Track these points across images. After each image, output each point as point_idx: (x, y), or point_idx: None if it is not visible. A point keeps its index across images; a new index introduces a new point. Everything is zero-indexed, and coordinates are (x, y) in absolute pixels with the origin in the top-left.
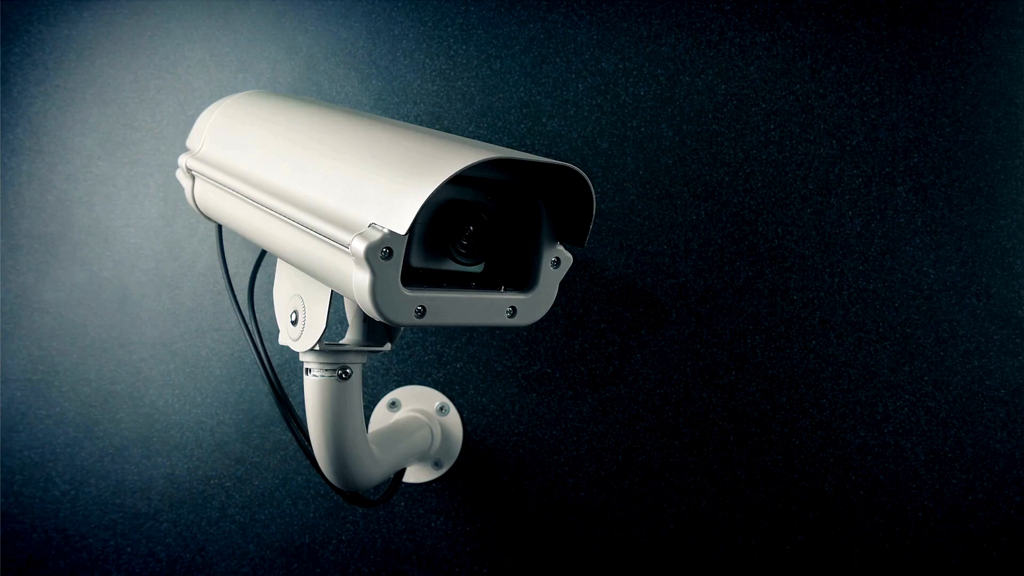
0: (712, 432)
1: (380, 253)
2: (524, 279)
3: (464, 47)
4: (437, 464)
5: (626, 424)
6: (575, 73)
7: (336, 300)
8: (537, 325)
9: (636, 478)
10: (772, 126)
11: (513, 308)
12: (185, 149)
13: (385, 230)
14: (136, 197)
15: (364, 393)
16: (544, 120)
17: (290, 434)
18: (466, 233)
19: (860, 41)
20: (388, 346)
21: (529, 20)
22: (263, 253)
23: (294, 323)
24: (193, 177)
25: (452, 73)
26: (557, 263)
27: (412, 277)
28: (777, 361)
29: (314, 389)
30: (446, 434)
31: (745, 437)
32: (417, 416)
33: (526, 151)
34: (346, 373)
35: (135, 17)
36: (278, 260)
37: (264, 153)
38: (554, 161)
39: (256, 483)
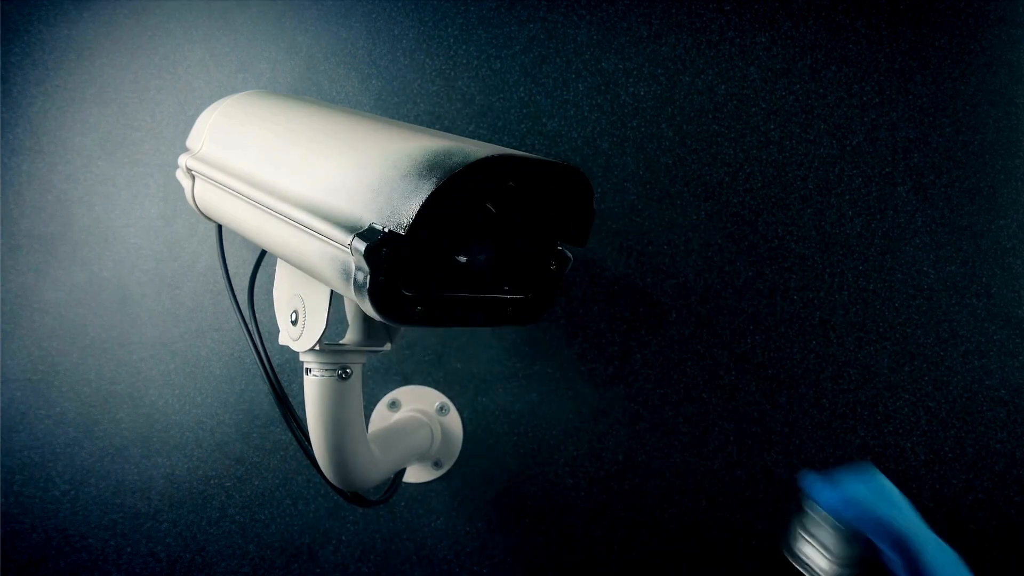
0: (712, 432)
1: (380, 253)
2: (524, 279)
3: (464, 47)
4: (437, 464)
5: (626, 424)
6: (575, 73)
7: (336, 300)
8: (537, 325)
9: (636, 478)
10: (772, 126)
11: (513, 308)
12: (185, 149)
13: (385, 230)
14: (136, 197)
15: (364, 393)
16: (544, 120)
17: (290, 434)
18: (467, 233)
19: (860, 41)
20: (388, 346)
21: (529, 20)
22: (263, 253)
23: (294, 323)
24: (193, 177)
25: (452, 73)
26: (557, 263)
27: (412, 277)
28: (777, 361)
29: (314, 389)
30: (446, 434)
31: (745, 437)
32: (417, 416)
33: (526, 151)
34: (346, 373)
35: (135, 17)
36: (278, 260)
37: (264, 153)
38: (554, 161)
39: (256, 483)
